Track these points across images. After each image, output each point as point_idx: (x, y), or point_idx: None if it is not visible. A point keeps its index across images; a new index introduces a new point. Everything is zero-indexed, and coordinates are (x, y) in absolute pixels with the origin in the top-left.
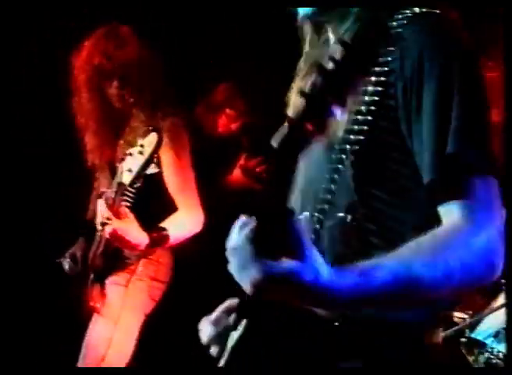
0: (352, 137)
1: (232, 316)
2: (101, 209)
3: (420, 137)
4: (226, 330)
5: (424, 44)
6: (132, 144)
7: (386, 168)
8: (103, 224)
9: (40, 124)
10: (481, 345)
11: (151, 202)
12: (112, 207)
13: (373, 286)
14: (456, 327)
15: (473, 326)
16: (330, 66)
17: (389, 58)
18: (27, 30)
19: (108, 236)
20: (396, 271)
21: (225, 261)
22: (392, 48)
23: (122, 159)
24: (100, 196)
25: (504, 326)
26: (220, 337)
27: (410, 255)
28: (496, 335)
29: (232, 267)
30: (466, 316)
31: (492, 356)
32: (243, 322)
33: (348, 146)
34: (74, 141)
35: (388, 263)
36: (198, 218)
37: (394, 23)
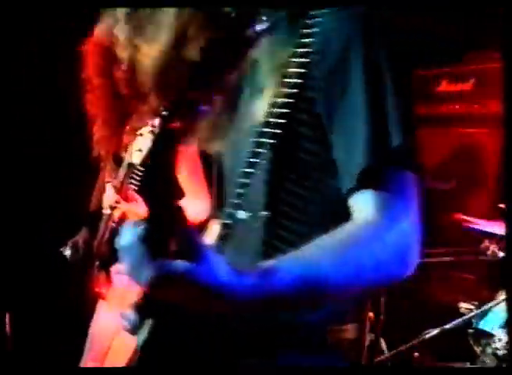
0: (269, 130)
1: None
2: (109, 194)
3: (339, 129)
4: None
5: (349, 36)
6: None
7: (304, 162)
8: (112, 208)
9: (40, 118)
10: (488, 336)
11: (158, 183)
12: (120, 190)
13: (275, 287)
14: (463, 318)
15: (480, 317)
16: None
17: (310, 50)
18: (28, 27)
19: (117, 219)
20: (301, 271)
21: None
22: (312, 39)
23: (130, 143)
24: (104, 186)
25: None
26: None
27: (317, 254)
28: (502, 326)
29: (126, 266)
30: (473, 307)
31: (499, 347)
32: (149, 322)
33: (265, 139)
34: (77, 133)
35: (293, 263)
36: (205, 205)
37: (315, 13)
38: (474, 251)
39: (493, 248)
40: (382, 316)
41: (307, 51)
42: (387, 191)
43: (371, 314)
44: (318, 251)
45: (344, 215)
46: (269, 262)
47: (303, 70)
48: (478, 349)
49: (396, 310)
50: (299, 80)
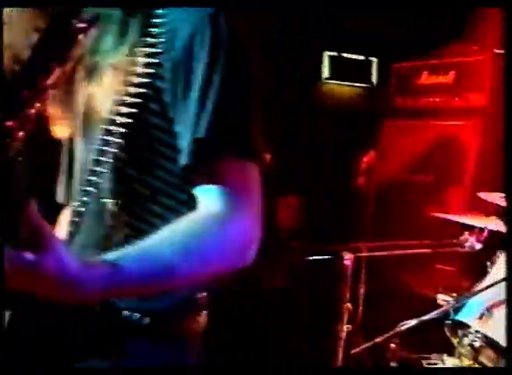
0: (118, 119)
1: None
2: None
3: (183, 120)
4: None
5: (196, 27)
6: None
7: (153, 152)
8: None
9: None
10: (464, 327)
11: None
12: None
13: (123, 276)
14: (440, 309)
15: (457, 309)
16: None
17: (161, 40)
18: None
19: None
20: (147, 261)
21: None
22: (163, 30)
23: None
24: None
25: (488, 307)
26: None
27: (163, 244)
28: (480, 317)
29: None
30: (450, 299)
31: (475, 338)
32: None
33: (115, 128)
34: None
35: (139, 253)
36: None
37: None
38: (453, 243)
39: (472, 240)
40: (360, 307)
41: (158, 41)
42: (229, 182)
43: (349, 305)
44: (164, 241)
45: (193, 204)
46: (117, 253)
47: (153, 60)
48: (454, 340)
49: (374, 302)
50: (149, 70)
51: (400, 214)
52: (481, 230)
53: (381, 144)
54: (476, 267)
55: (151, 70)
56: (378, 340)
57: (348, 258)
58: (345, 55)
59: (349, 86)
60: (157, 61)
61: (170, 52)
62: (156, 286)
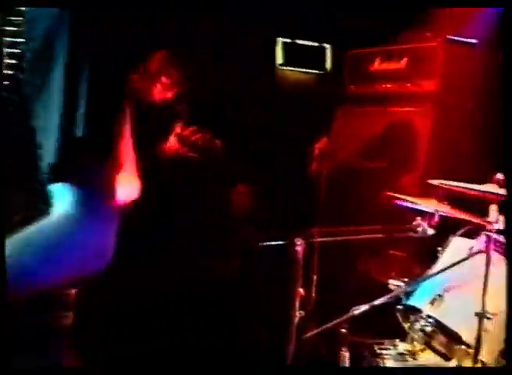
0: None
1: None
2: None
3: (45, 115)
4: None
5: (51, 23)
6: None
7: (15, 147)
8: None
9: None
10: (416, 312)
11: None
12: None
13: None
14: (391, 294)
15: (409, 293)
16: None
17: (22, 29)
18: None
19: None
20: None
21: (160, 227)
22: (24, 19)
23: None
24: None
25: (439, 292)
26: None
27: (22, 249)
28: (431, 302)
29: None
30: (402, 284)
31: (427, 323)
32: None
33: None
34: None
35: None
36: (136, 185)
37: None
38: (406, 228)
39: (424, 225)
40: (313, 292)
41: (22, 30)
42: (81, 183)
43: (301, 291)
44: (23, 247)
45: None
46: None
47: (16, 51)
48: (406, 325)
49: (327, 287)
50: (12, 61)
51: (353, 200)
52: (433, 215)
53: (334, 130)
54: (428, 252)
55: (14, 61)
56: (328, 325)
57: (299, 243)
58: (299, 41)
59: (302, 72)
60: (19, 51)
61: (30, 43)
62: (18, 290)
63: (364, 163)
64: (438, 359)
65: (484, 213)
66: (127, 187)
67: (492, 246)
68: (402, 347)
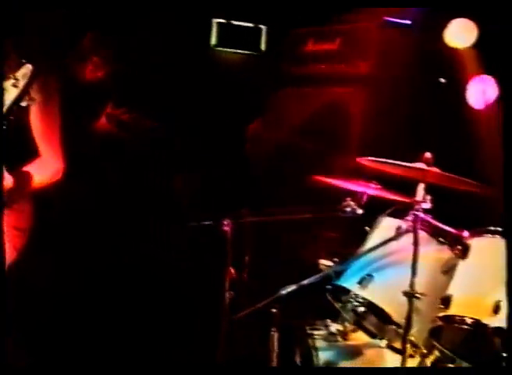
0: None
1: None
2: None
3: None
4: None
5: None
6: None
7: None
8: None
9: None
10: (345, 292)
11: (16, 143)
12: None
13: None
14: (320, 274)
15: (339, 273)
16: None
17: None
18: None
19: None
20: None
21: (86, 208)
22: None
23: None
24: None
25: (368, 272)
26: None
27: None
28: (360, 282)
29: None
30: (332, 264)
31: (358, 303)
32: None
33: None
34: None
35: None
36: (58, 165)
37: None
38: (335, 208)
39: (353, 205)
40: (244, 273)
41: None
42: None
43: (232, 271)
44: None
45: None
46: None
47: None
48: (337, 305)
49: (258, 267)
50: None
51: (285, 180)
52: (362, 195)
53: (269, 111)
54: (357, 232)
55: None
56: (258, 305)
57: (227, 224)
58: (234, 22)
59: (237, 53)
60: None
61: None
62: None
63: (299, 144)
64: (369, 339)
65: (412, 193)
66: (46, 170)
67: (419, 225)
68: (333, 327)
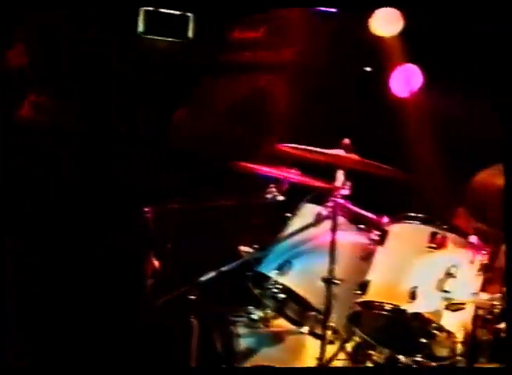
0: None
1: None
2: None
3: None
4: None
5: None
6: None
7: None
8: None
9: None
10: (265, 278)
11: None
12: None
13: None
14: (239, 260)
15: (259, 260)
16: None
17: None
18: None
19: None
20: None
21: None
22: None
23: None
24: None
25: (288, 258)
26: None
27: None
28: (279, 268)
29: None
30: (252, 251)
31: (276, 290)
32: None
33: None
34: None
35: None
36: None
37: None
38: (256, 195)
39: (274, 191)
40: (167, 261)
41: None
42: None
43: (155, 261)
44: None
45: None
46: None
47: None
48: (257, 292)
49: (180, 255)
50: None
51: (211, 167)
52: (283, 181)
53: (195, 99)
54: (278, 219)
55: None
56: (176, 292)
57: (149, 211)
58: (161, 9)
59: (164, 41)
60: None
61: None
62: None
63: (225, 131)
64: (290, 326)
65: (331, 179)
66: None
67: (338, 212)
68: (255, 314)
